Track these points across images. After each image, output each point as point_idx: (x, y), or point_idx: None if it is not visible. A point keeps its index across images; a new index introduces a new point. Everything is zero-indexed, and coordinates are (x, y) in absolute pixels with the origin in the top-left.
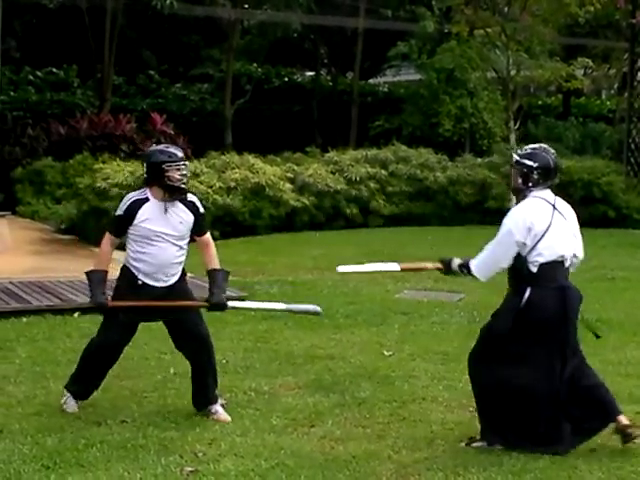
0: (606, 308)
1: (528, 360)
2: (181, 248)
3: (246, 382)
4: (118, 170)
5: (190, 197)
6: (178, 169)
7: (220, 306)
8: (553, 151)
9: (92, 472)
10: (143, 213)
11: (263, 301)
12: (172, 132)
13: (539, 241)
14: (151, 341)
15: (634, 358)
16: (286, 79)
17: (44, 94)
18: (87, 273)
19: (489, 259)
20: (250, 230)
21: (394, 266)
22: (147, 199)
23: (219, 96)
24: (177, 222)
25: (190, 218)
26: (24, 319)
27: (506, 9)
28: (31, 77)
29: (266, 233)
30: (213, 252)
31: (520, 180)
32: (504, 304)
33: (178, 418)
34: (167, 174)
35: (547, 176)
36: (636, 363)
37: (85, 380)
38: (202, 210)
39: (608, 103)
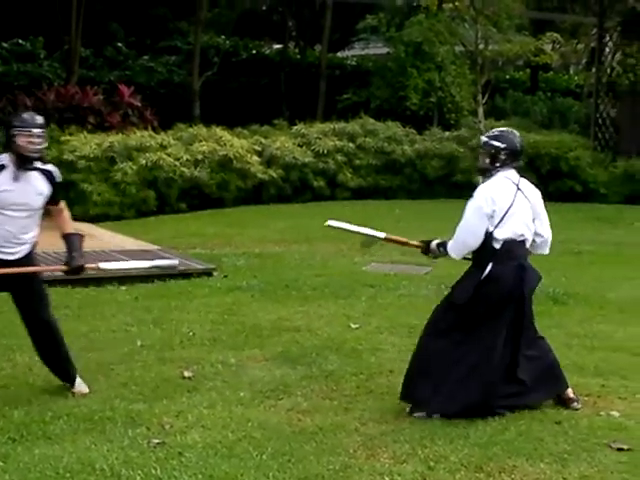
0: (572, 282)
1: (477, 331)
2: (33, 220)
3: (213, 354)
4: (85, 142)
5: (48, 166)
6: (28, 136)
7: (78, 269)
8: (519, 134)
9: (59, 444)
10: (1, 181)
11: (151, 261)
12: (139, 104)
13: (503, 217)
14: (118, 314)
15: (600, 332)
16: (254, 52)
17: (10, 66)
18: None
19: (462, 237)
20: (218, 203)
21: (380, 234)
22: (3, 166)
23: (187, 68)
24: (32, 192)
25: (47, 188)
26: None
27: None
28: None
29: (234, 206)
30: (67, 217)
31: (488, 160)
32: (465, 276)
33: (145, 390)
34: (15, 140)
35: (514, 157)
36: (602, 337)
37: None
38: (59, 179)
39: (576, 78)
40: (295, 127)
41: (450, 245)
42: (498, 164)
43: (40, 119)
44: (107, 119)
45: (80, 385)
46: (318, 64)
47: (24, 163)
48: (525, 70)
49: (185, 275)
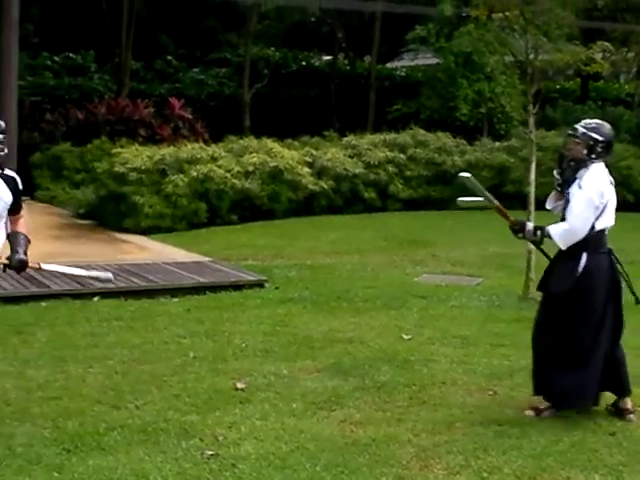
0: (626, 291)
1: (583, 321)
2: None
3: (265, 366)
4: (136, 155)
5: (8, 172)
6: None
7: (21, 262)
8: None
9: (113, 455)
10: None
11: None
12: (190, 116)
13: (604, 209)
14: (170, 325)
15: None
16: (303, 63)
17: (62, 79)
18: None
19: (576, 227)
20: (268, 214)
21: (495, 201)
22: None
23: (237, 80)
24: None
25: (8, 196)
26: (43, 303)
27: None
28: (49, 62)
29: (284, 217)
30: (23, 222)
31: (585, 151)
32: (562, 267)
33: (198, 402)
34: None
35: (608, 150)
36: None
37: None
38: (21, 187)
39: (626, 87)
40: (345, 138)
41: (559, 233)
42: (594, 155)
43: (2, 123)
44: (158, 132)
45: None
46: (368, 75)
47: None
48: (575, 79)
49: (237, 287)
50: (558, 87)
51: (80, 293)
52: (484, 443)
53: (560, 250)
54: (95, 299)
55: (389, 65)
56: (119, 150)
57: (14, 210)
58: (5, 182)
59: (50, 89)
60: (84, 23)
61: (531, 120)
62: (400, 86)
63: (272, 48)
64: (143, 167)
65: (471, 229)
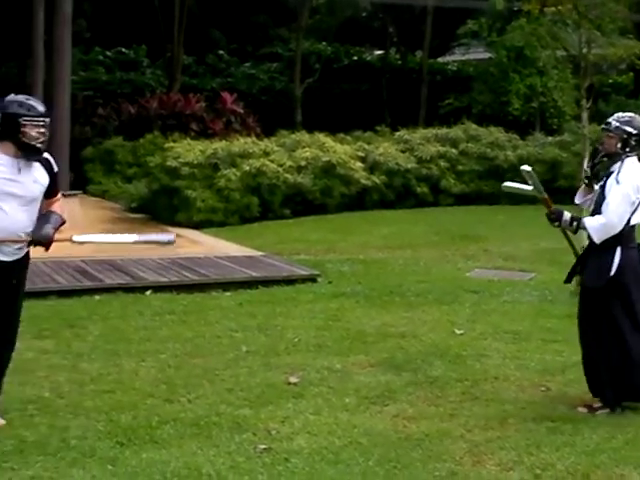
0: None
1: (619, 315)
2: (31, 214)
3: (318, 360)
4: (189, 149)
5: (45, 155)
6: (37, 125)
7: (43, 236)
8: None
9: (166, 449)
10: None
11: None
12: (242, 111)
13: (639, 205)
14: (222, 319)
15: None
16: (355, 58)
17: (114, 74)
18: None
19: (612, 222)
20: (321, 209)
21: (545, 194)
22: None
23: (288, 75)
24: (30, 181)
25: (45, 178)
26: (96, 297)
27: None
28: (101, 57)
29: (337, 212)
30: (60, 205)
31: (619, 145)
32: (597, 261)
33: (251, 396)
34: (24, 130)
35: None
36: None
37: None
38: (56, 169)
39: None
40: (397, 133)
41: (595, 227)
42: (628, 149)
43: (43, 107)
44: (210, 126)
45: None
46: (419, 69)
47: (33, 154)
48: (628, 74)
49: (289, 281)
50: (611, 81)
51: (133, 287)
52: (537, 439)
53: (592, 244)
54: (147, 293)
55: (440, 59)
56: (171, 144)
57: (50, 193)
58: (43, 165)
59: (102, 84)
60: (136, 18)
61: (584, 115)
62: (452, 80)
63: (324, 43)
64: (195, 161)
65: (523, 224)
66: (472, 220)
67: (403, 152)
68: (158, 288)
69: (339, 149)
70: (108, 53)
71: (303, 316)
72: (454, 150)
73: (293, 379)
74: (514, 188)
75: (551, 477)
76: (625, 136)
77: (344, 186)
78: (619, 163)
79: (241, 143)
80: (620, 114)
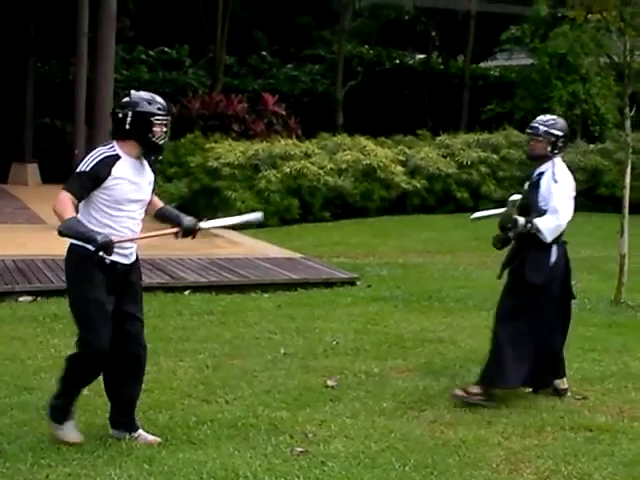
0: None
1: (545, 309)
2: (141, 215)
3: (356, 364)
4: (230, 150)
5: None
6: (165, 124)
7: (191, 229)
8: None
9: (203, 450)
10: (116, 173)
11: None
12: (283, 113)
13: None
14: (261, 321)
15: None
16: (397, 61)
17: (156, 73)
18: (67, 223)
19: (563, 222)
20: (361, 212)
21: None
22: (118, 156)
23: (330, 77)
24: (146, 183)
25: (152, 177)
26: None
27: None
28: (144, 56)
29: (377, 215)
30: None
31: (549, 148)
32: (536, 257)
33: (288, 398)
34: (154, 129)
35: (566, 144)
36: None
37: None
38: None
39: None
40: (439, 138)
41: (550, 228)
42: (557, 151)
43: (164, 102)
44: (251, 127)
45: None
46: (461, 74)
47: (155, 153)
48: None
49: (328, 284)
50: None
51: (172, 286)
52: (574, 448)
53: (525, 242)
54: (186, 292)
55: (482, 65)
56: (213, 145)
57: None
58: (149, 165)
59: (145, 83)
60: (179, 18)
61: (627, 123)
62: (494, 86)
63: (366, 46)
64: (236, 162)
65: None
66: None
67: (444, 157)
68: (197, 288)
69: (380, 153)
70: (151, 52)
71: (342, 319)
72: (495, 156)
73: (331, 382)
74: (483, 217)
75: None
76: (553, 139)
77: (384, 190)
78: (549, 163)
79: (282, 145)
80: (544, 117)
